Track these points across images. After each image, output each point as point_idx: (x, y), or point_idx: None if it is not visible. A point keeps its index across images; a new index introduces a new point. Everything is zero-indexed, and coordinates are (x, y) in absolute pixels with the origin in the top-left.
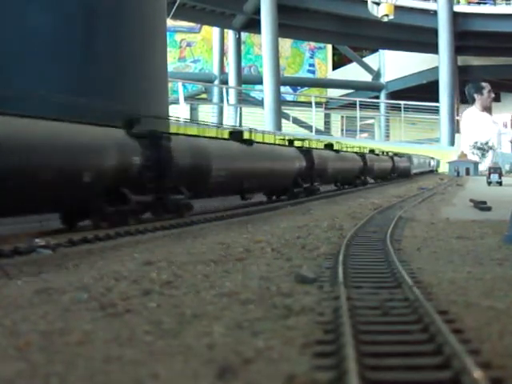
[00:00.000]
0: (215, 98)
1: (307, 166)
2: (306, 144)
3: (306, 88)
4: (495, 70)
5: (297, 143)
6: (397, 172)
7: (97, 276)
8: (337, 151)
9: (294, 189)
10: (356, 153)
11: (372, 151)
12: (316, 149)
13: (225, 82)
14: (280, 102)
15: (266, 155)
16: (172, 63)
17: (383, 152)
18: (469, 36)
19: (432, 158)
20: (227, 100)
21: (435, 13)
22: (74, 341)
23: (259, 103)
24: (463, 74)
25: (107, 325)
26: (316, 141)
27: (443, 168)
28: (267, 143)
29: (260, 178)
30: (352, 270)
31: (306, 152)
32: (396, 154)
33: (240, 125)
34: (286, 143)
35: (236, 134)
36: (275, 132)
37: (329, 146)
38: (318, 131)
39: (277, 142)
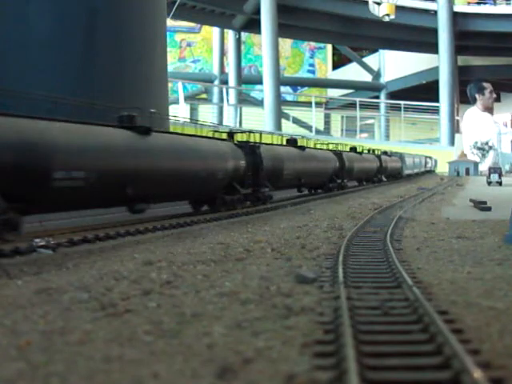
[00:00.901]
0: (215, 98)
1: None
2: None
3: (306, 88)
4: (495, 69)
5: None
6: (385, 173)
7: (97, 276)
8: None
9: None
10: (332, 150)
11: (354, 149)
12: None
13: (225, 82)
14: (280, 101)
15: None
16: (172, 63)
17: (369, 150)
18: (469, 36)
19: (429, 158)
20: (227, 100)
21: (435, 13)
22: (74, 340)
23: (259, 103)
24: (463, 74)
25: (107, 324)
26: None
27: (442, 168)
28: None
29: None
30: (352, 270)
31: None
32: (385, 153)
33: (240, 125)
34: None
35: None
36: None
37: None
38: (317, 131)
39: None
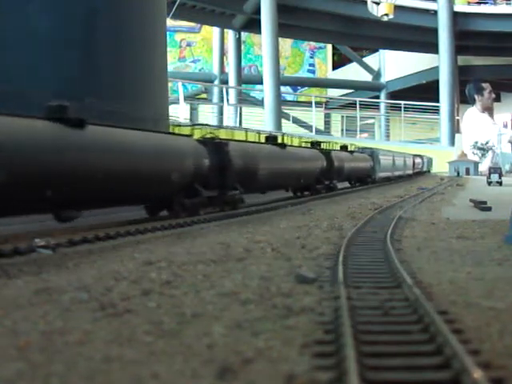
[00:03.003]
0: (215, 98)
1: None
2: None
3: (306, 88)
4: (495, 69)
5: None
6: (338, 176)
7: (97, 276)
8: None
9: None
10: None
11: (345, 148)
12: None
13: (225, 81)
14: (280, 101)
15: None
16: (172, 63)
17: (314, 143)
18: (469, 36)
19: (419, 157)
20: (227, 100)
21: (435, 12)
22: (74, 341)
23: (259, 103)
24: (463, 74)
25: (107, 325)
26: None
27: (440, 168)
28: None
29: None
30: (352, 270)
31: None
32: (342, 148)
33: (240, 124)
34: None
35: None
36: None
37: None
38: (318, 131)
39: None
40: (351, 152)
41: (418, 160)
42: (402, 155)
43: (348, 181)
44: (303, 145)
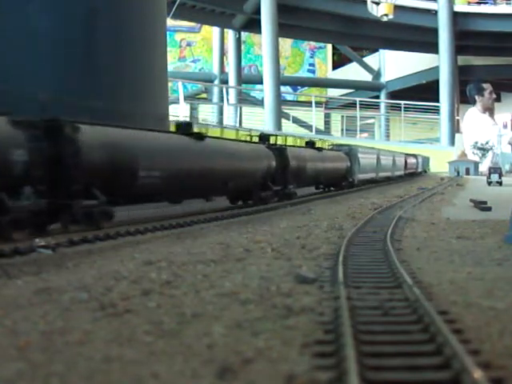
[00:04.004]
0: (215, 98)
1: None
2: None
3: (306, 88)
4: (496, 69)
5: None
6: (299, 179)
7: (97, 276)
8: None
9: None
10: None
11: (311, 144)
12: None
13: (225, 81)
14: (280, 101)
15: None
16: (172, 63)
17: (262, 137)
18: (469, 36)
19: (413, 156)
20: (227, 100)
21: (435, 12)
22: (74, 340)
23: (259, 103)
24: (463, 74)
25: (107, 325)
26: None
27: (440, 168)
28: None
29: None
30: (352, 270)
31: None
32: (308, 144)
33: (240, 124)
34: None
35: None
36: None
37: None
38: (318, 131)
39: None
40: (319, 149)
41: (411, 160)
42: (391, 154)
43: (315, 185)
44: (256, 140)
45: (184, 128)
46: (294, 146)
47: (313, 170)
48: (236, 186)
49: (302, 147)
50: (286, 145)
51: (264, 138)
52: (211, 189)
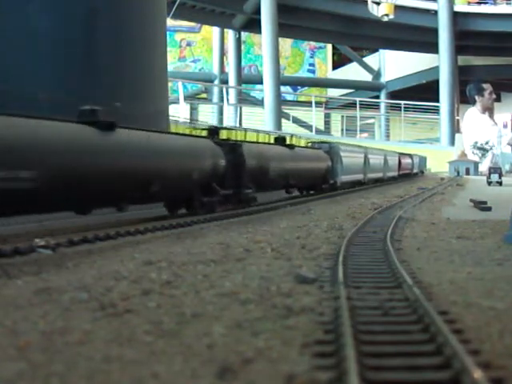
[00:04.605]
0: (215, 98)
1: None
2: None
3: (306, 88)
4: (495, 69)
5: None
6: (260, 182)
7: (97, 276)
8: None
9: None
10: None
11: (281, 140)
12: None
13: (225, 81)
14: (280, 101)
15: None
16: (172, 63)
17: (212, 130)
18: (469, 36)
19: (408, 155)
20: (227, 100)
21: (435, 12)
22: (74, 341)
23: (259, 103)
24: (463, 74)
25: (107, 325)
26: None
27: (440, 168)
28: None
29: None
30: (352, 270)
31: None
32: (278, 140)
33: (240, 124)
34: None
35: (88, 114)
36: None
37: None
38: (318, 131)
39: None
40: (290, 147)
41: (406, 160)
42: (382, 153)
43: (284, 188)
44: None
45: (87, 115)
46: (254, 142)
47: (280, 170)
48: (164, 190)
49: (268, 144)
50: (243, 140)
51: (213, 131)
52: (124, 195)
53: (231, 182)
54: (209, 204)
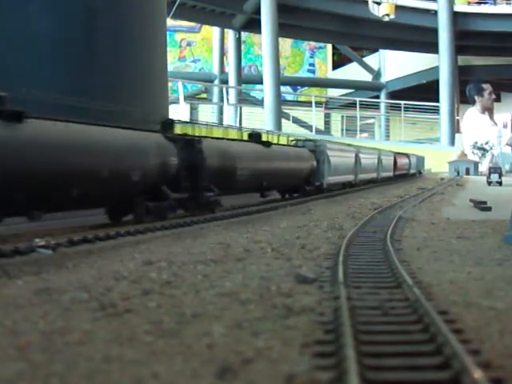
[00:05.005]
0: (215, 98)
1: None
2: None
3: (306, 88)
4: (495, 69)
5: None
6: (225, 184)
7: (97, 276)
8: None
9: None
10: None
11: (255, 136)
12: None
13: (225, 81)
14: (280, 101)
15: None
16: (172, 63)
17: (165, 124)
18: (469, 36)
19: (405, 155)
20: (227, 100)
21: (435, 12)
22: (74, 340)
23: (259, 103)
24: (463, 74)
25: (107, 325)
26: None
27: (440, 167)
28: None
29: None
30: (352, 270)
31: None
32: (252, 137)
33: (240, 124)
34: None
35: None
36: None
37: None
38: (318, 131)
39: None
40: (265, 144)
41: (402, 160)
42: (376, 152)
43: (258, 191)
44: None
45: None
46: (217, 138)
47: (252, 171)
48: (91, 194)
49: (238, 140)
50: (203, 136)
51: (167, 126)
52: (36, 200)
53: (187, 184)
54: (156, 210)
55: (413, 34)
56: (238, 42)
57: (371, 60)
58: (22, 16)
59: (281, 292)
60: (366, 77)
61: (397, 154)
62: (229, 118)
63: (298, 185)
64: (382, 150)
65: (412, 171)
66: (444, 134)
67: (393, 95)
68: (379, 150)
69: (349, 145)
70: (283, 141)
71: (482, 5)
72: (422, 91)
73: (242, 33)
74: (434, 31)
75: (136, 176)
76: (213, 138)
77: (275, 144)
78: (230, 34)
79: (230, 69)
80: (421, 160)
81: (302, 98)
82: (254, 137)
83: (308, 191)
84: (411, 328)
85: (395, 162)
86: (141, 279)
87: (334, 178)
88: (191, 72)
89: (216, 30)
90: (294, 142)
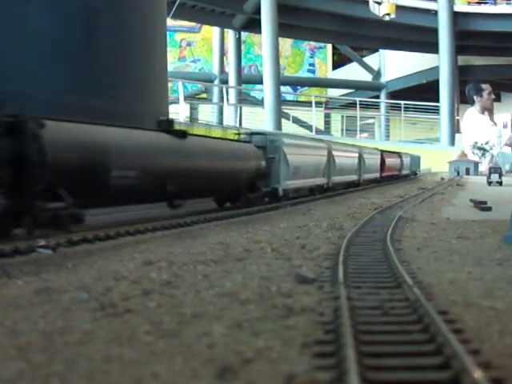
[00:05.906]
0: (215, 98)
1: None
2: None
3: (306, 88)
4: (495, 69)
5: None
6: (113, 190)
7: (97, 276)
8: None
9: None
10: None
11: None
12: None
13: (225, 81)
14: (280, 101)
15: None
16: (172, 63)
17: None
18: (469, 36)
19: (397, 154)
20: (227, 100)
21: (435, 12)
22: (74, 341)
23: (259, 103)
24: (464, 74)
25: (107, 325)
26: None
27: (440, 167)
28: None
29: None
30: (352, 270)
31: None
32: (169, 126)
33: (240, 124)
34: None
35: None
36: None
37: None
38: (318, 131)
39: None
40: (179, 135)
41: (391, 159)
42: (356, 150)
43: (163, 200)
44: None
45: None
46: (78, 123)
47: (145, 171)
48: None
49: (118, 127)
50: (47, 118)
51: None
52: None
53: (6, 189)
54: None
55: (413, 33)
56: (238, 42)
57: (371, 60)
58: (21, 16)
59: (281, 292)
60: (366, 77)
61: (385, 153)
62: (229, 118)
63: (233, 191)
64: (364, 148)
65: (404, 172)
66: (444, 134)
67: (393, 95)
68: (361, 148)
69: (318, 140)
70: (212, 133)
71: (482, 5)
72: (421, 91)
73: (242, 33)
74: (434, 31)
75: None
76: (66, 121)
77: (197, 136)
78: (229, 34)
79: (230, 69)
80: (416, 160)
81: (302, 98)
82: (162, 125)
83: (251, 199)
84: (411, 328)
85: (383, 162)
86: (141, 279)
87: (296, 182)
88: (191, 72)
89: (216, 30)
90: (238, 135)
